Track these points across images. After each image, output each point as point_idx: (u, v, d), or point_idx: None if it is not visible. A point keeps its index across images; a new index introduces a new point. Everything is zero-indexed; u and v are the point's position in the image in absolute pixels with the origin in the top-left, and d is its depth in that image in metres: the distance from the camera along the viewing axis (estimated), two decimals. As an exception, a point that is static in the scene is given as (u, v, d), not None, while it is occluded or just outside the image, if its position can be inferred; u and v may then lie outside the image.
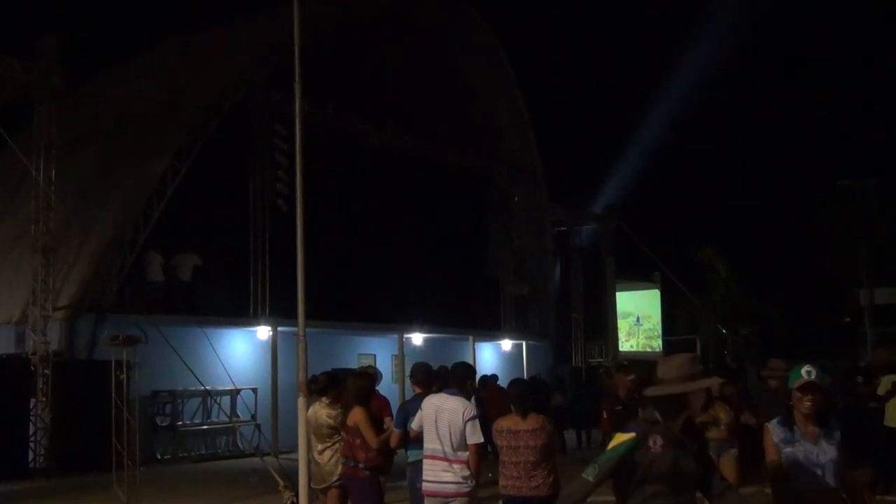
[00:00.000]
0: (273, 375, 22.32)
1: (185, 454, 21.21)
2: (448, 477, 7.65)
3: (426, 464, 7.83)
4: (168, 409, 21.09)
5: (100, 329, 19.58)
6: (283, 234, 18.06)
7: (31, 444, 18.54)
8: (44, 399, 18.66)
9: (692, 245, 41.88)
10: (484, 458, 8.14)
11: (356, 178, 25.85)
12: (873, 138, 53.02)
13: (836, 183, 35.36)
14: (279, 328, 22.24)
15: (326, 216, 22.35)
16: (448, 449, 7.66)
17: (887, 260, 36.06)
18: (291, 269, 12.90)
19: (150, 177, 21.63)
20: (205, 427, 21.74)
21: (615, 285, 37.54)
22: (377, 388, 9.83)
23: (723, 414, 10.59)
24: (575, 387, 23.15)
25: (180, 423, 21.22)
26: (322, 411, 9.54)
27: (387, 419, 9.24)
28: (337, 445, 9.22)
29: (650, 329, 40.61)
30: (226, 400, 21.52)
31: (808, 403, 5.58)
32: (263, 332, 22.87)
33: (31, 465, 18.43)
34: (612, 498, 4.79)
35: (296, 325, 12.74)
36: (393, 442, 8.59)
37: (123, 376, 15.66)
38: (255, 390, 22.15)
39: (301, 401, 11.67)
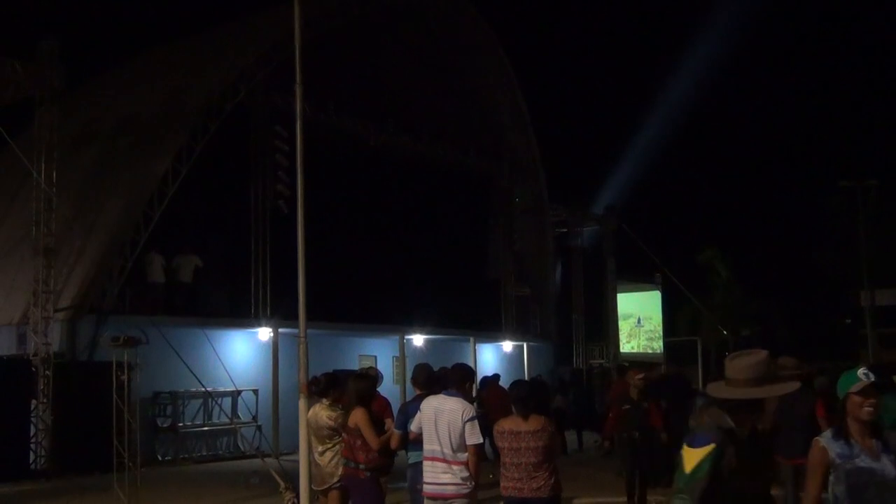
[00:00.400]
0: (274, 377, 22.32)
1: (186, 455, 21.21)
2: (448, 478, 7.64)
3: (426, 465, 7.81)
4: (169, 410, 21.10)
5: (101, 330, 19.56)
6: (283, 236, 18.06)
7: (32, 446, 18.53)
8: (45, 400, 18.65)
9: (693, 246, 41.94)
10: (483, 459, 8.13)
11: (357, 179, 25.85)
12: (874, 139, 53.06)
13: (837, 184, 35.37)
14: (280, 329, 22.25)
15: (327, 217, 22.38)
16: (448, 450, 7.64)
17: (888, 261, 36.07)
18: (292, 270, 12.90)
19: (150, 178, 21.63)
20: (206, 428, 21.74)
21: (616, 286, 37.50)
22: (378, 389, 9.83)
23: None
24: (575, 388, 23.15)
25: (181, 424, 21.22)
26: (323, 413, 9.53)
27: (388, 420, 9.23)
28: (338, 447, 9.22)
29: (651, 330, 40.54)
30: (227, 401, 21.53)
31: (870, 409, 4.71)
32: (264, 333, 22.87)
33: (32, 466, 18.42)
34: (616, 499, 4.72)
35: (297, 326, 12.75)
36: (393, 443, 8.57)
37: (124, 377, 15.65)
38: (255, 391, 22.15)
39: (302, 402, 11.67)
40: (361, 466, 8.66)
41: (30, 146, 19.73)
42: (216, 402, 21.22)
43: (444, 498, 7.68)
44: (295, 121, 13.16)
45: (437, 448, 7.69)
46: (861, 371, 4.78)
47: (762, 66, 71.45)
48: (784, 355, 10.09)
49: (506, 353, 31.76)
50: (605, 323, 37.36)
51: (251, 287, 23.10)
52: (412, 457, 8.72)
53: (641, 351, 39.24)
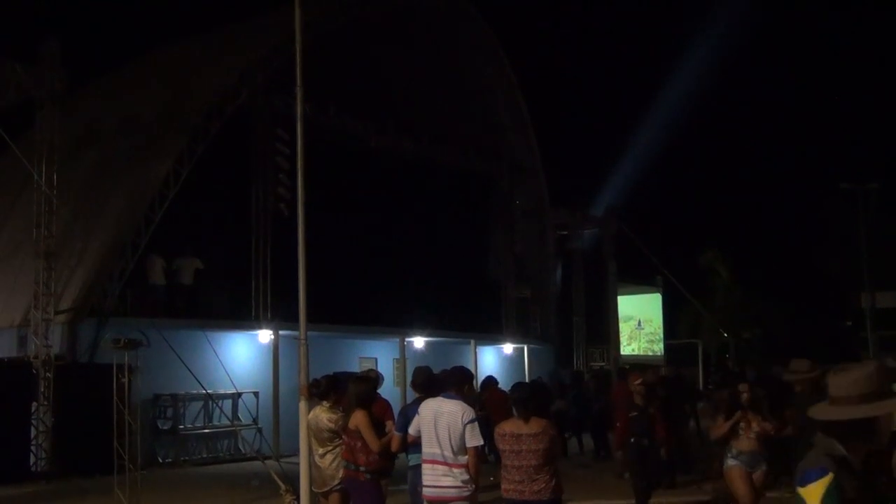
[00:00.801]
0: (274, 379, 22.32)
1: (187, 458, 21.20)
2: (448, 481, 7.63)
3: (426, 468, 7.79)
4: (170, 412, 21.10)
5: (101, 333, 19.56)
6: (284, 238, 18.05)
7: (33, 448, 18.53)
8: (45, 402, 18.65)
9: (694, 249, 41.92)
10: (484, 461, 8.12)
11: (357, 181, 25.86)
12: (875, 142, 53.06)
13: (838, 186, 35.37)
14: (280, 332, 22.26)
15: (328, 220, 22.36)
16: (448, 453, 7.64)
17: (889, 263, 36.07)
18: (293, 272, 12.90)
19: (151, 180, 21.64)
20: (206, 431, 21.73)
21: (617, 289, 37.50)
22: (378, 391, 9.84)
23: (754, 423, 10.08)
24: (575, 391, 23.15)
25: (182, 426, 21.21)
26: (323, 415, 9.54)
27: (388, 422, 9.23)
28: (338, 449, 9.22)
29: (652, 333, 40.57)
30: (227, 403, 21.54)
31: None
32: (265, 335, 22.87)
33: (33, 468, 18.41)
34: (617, 502, 4.67)
35: (297, 328, 12.74)
36: (394, 446, 8.57)
37: (125, 380, 15.63)
38: (256, 394, 22.14)
39: (302, 404, 11.66)
40: (362, 469, 8.66)
41: (31, 148, 19.74)
42: (217, 405, 21.22)
43: (445, 501, 7.67)
44: (296, 123, 13.16)
45: (437, 451, 7.68)
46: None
47: (763, 67, 71.50)
48: (796, 358, 9.90)
49: (506, 356, 31.75)
50: (605, 325, 37.35)
51: (252, 289, 23.10)
52: (412, 459, 8.72)
53: (642, 353, 39.28)
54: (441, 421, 7.70)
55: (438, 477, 7.68)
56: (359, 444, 8.66)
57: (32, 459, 18.49)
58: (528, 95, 33.84)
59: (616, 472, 17.29)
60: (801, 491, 3.45)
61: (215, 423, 21.65)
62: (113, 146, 23.18)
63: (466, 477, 7.63)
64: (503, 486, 7.74)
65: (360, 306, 24.94)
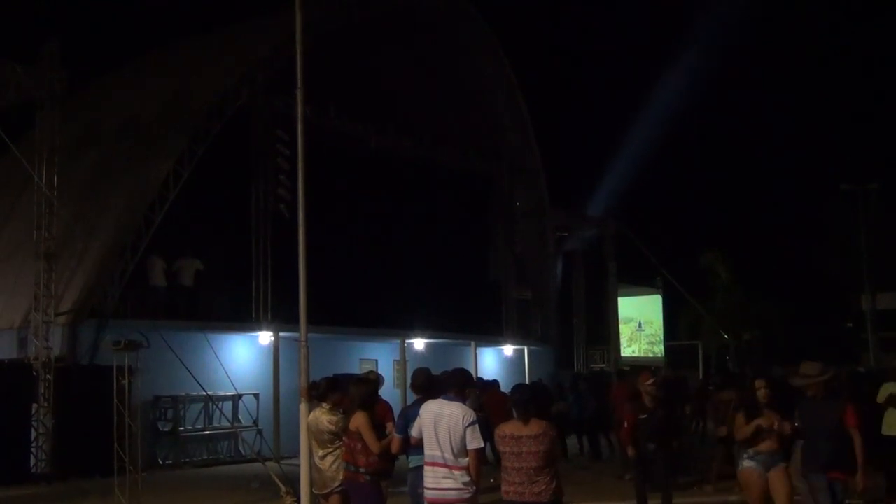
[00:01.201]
0: (275, 381, 22.32)
1: (187, 459, 21.19)
2: (449, 483, 7.63)
3: (427, 471, 7.79)
4: (170, 414, 21.08)
5: (102, 334, 19.56)
6: (284, 239, 18.05)
7: (33, 450, 18.51)
8: (46, 404, 18.64)
9: (694, 250, 41.92)
10: (485, 464, 8.12)
11: (358, 182, 25.85)
12: (875, 143, 53.05)
13: (838, 187, 35.36)
14: (281, 333, 22.26)
15: (328, 221, 22.38)
16: (448, 455, 7.63)
17: (889, 264, 36.04)
18: (293, 274, 12.90)
19: (152, 181, 21.64)
20: (207, 432, 21.72)
21: (617, 290, 37.51)
22: (378, 392, 9.83)
23: (773, 423, 9.68)
24: (574, 392, 23.13)
25: (182, 428, 21.20)
26: (323, 417, 9.53)
27: (389, 424, 9.23)
28: (338, 451, 9.22)
29: (652, 334, 40.54)
30: (227, 405, 21.53)
31: None
32: (265, 337, 22.86)
33: (33, 470, 18.40)
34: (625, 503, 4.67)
35: (297, 330, 12.75)
36: (394, 448, 8.57)
37: (125, 381, 15.62)
38: (256, 395, 22.14)
39: (303, 406, 11.68)
40: (362, 470, 8.66)
41: (31, 149, 19.74)
42: (217, 406, 21.20)
43: (446, 502, 7.67)
44: (296, 124, 13.16)
45: (438, 453, 7.68)
46: None
47: (763, 67, 71.51)
48: (806, 360, 9.48)
49: (507, 358, 31.74)
50: (606, 327, 37.35)
51: (252, 291, 23.10)
52: (413, 461, 8.72)
53: (643, 355, 39.26)
54: (442, 423, 7.69)
55: (439, 479, 7.68)
56: (359, 445, 8.66)
57: (33, 461, 18.48)
58: (529, 96, 33.86)
59: (616, 474, 17.28)
60: None
61: (216, 424, 21.63)
62: (113, 147, 23.18)
63: (467, 479, 7.63)
64: (503, 488, 7.73)
65: (360, 308, 24.94)
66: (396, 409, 10.20)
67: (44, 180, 19.39)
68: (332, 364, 20.32)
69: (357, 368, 23.71)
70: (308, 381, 11.82)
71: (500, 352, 31.75)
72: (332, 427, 9.37)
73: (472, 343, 28.90)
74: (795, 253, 44.22)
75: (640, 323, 40.18)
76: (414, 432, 8.01)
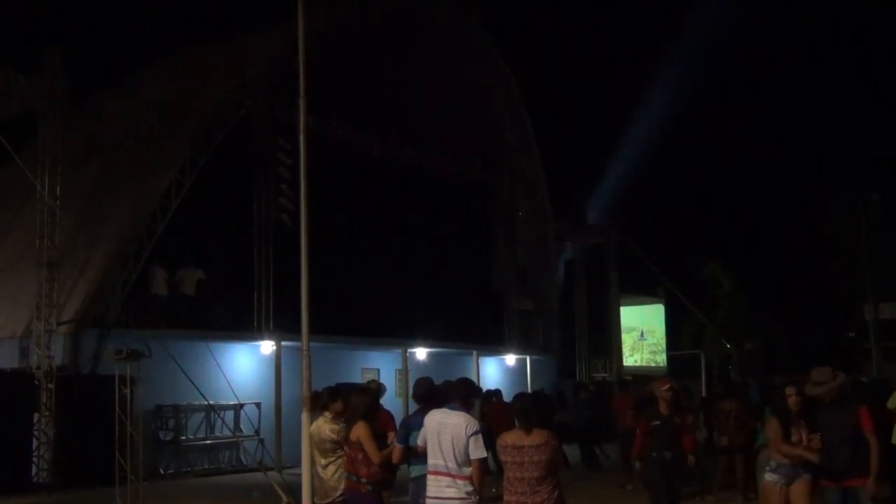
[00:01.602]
0: (276, 390, 22.29)
1: (189, 469, 21.16)
2: (452, 493, 7.63)
3: (430, 479, 7.80)
4: (171, 423, 21.06)
5: (104, 344, 19.55)
6: (286, 249, 18.08)
7: (35, 459, 18.51)
8: (47, 413, 18.64)
9: (697, 259, 41.90)
10: (487, 473, 8.11)
11: (360, 191, 25.85)
12: (876, 152, 53.03)
13: (840, 197, 35.35)
14: (283, 343, 22.24)
15: (330, 230, 22.34)
16: (452, 464, 7.64)
17: (892, 274, 36.01)
18: (295, 283, 12.91)
19: (154, 191, 21.65)
20: (208, 442, 21.70)
21: (619, 299, 37.48)
22: (380, 401, 9.83)
23: (803, 433, 9.24)
24: (575, 402, 23.16)
25: (184, 437, 21.17)
26: (325, 426, 9.53)
27: (391, 434, 9.22)
28: (340, 460, 9.22)
29: (654, 344, 40.47)
30: (229, 414, 21.51)
31: None
32: (267, 346, 22.84)
33: (35, 479, 18.39)
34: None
35: (299, 339, 12.75)
36: (395, 457, 8.57)
37: (127, 391, 15.67)
38: (258, 405, 22.12)
39: (304, 415, 11.66)
40: (363, 480, 8.66)
41: (33, 159, 19.77)
42: (219, 416, 21.19)
43: (449, 512, 7.67)
44: (298, 133, 13.17)
45: (441, 462, 7.69)
46: None
47: (765, 77, 71.55)
48: (817, 367, 9.15)
49: (508, 367, 31.70)
50: (608, 336, 37.31)
51: (254, 300, 23.09)
52: (414, 471, 8.71)
53: (645, 364, 39.18)
54: (445, 432, 7.70)
55: (442, 488, 7.68)
56: (360, 455, 8.66)
57: (34, 470, 18.47)
58: (531, 105, 33.90)
59: (618, 484, 17.27)
60: None
61: (217, 433, 21.62)
62: (115, 157, 23.22)
63: (470, 488, 7.63)
64: (505, 498, 7.73)
65: (362, 317, 24.92)
66: (398, 418, 10.19)
67: (46, 190, 19.42)
68: (334, 373, 20.31)
69: (359, 378, 23.69)
70: (310, 391, 11.82)
71: (502, 361, 31.72)
72: (334, 436, 9.37)
73: (474, 352, 28.87)
74: (798, 262, 44.20)
75: (642, 332, 40.11)
76: (419, 441, 8.03)
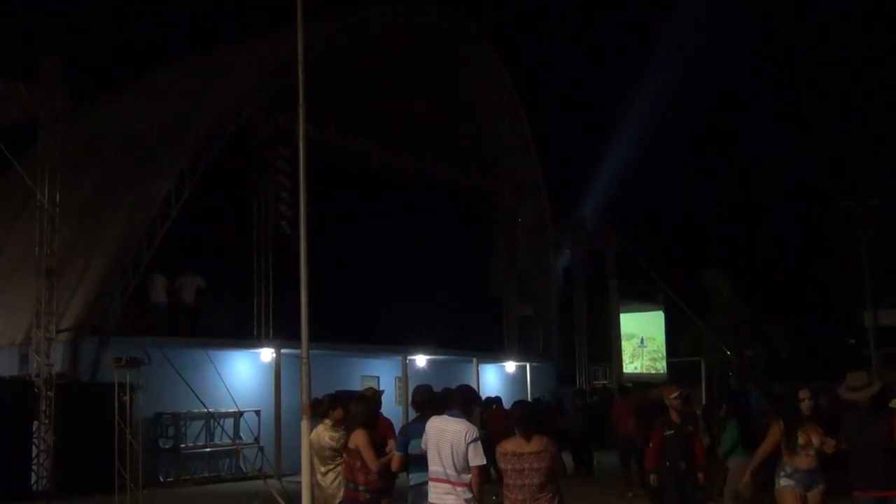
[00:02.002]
0: (276, 397, 22.25)
1: (188, 477, 21.13)
2: (452, 500, 7.61)
3: (430, 486, 7.80)
4: (171, 431, 21.03)
5: (103, 351, 19.56)
6: (286, 256, 18.08)
7: (34, 467, 18.48)
8: (46, 421, 18.61)
9: (696, 266, 41.86)
10: (487, 481, 8.10)
11: (359, 198, 25.86)
12: (876, 158, 53.04)
13: (839, 203, 35.31)
14: (282, 350, 22.21)
15: (330, 237, 22.36)
16: (451, 471, 7.63)
17: (891, 280, 35.97)
18: (295, 290, 12.89)
19: (153, 198, 21.66)
20: (208, 449, 21.67)
21: (619, 306, 37.47)
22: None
23: (815, 437, 8.97)
24: (575, 411, 23.17)
25: (183, 445, 21.14)
26: (325, 433, 9.52)
27: (390, 441, 9.22)
28: (340, 468, 9.21)
29: (654, 351, 40.47)
30: (229, 422, 21.49)
31: None
32: (267, 354, 22.83)
33: (34, 487, 18.35)
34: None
35: (299, 346, 12.73)
36: (394, 465, 8.55)
37: (126, 398, 15.65)
38: (258, 412, 22.10)
39: (304, 423, 11.65)
40: (361, 488, 8.65)
41: (33, 166, 19.77)
42: (218, 423, 21.16)
43: (448, 519, 7.65)
44: (297, 141, 13.18)
45: (441, 469, 7.68)
46: None
47: (764, 83, 71.59)
48: (853, 370, 8.85)
49: (509, 374, 31.67)
50: (607, 343, 37.29)
51: (254, 308, 23.09)
52: (413, 478, 8.69)
53: (645, 371, 39.16)
54: (445, 439, 7.70)
55: (442, 495, 7.67)
56: (358, 463, 8.65)
57: (34, 478, 18.44)
58: (530, 112, 33.90)
59: (619, 491, 17.24)
60: None
61: (217, 441, 21.59)
62: (115, 164, 23.22)
63: (469, 496, 7.62)
64: (505, 505, 7.71)
65: (362, 324, 24.90)
66: (398, 426, 10.17)
67: (46, 197, 19.41)
68: (333, 381, 20.31)
69: (358, 385, 23.68)
70: (310, 398, 11.80)
71: (502, 368, 31.69)
72: (333, 444, 9.36)
73: (474, 359, 28.83)
74: (797, 269, 44.16)
75: (642, 339, 40.10)
76: (423, 446, 8.01)
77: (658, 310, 39.87)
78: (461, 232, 30.23)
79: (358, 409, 8.99)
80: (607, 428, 20.11)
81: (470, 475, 7.63)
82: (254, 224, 23.34)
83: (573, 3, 76.50)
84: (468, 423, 7.81)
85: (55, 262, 19.57)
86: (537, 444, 7.58)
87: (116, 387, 15.55)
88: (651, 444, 11.11)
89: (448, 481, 7.64)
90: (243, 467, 21.55)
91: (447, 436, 7.70)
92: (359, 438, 8.67)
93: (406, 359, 26.06)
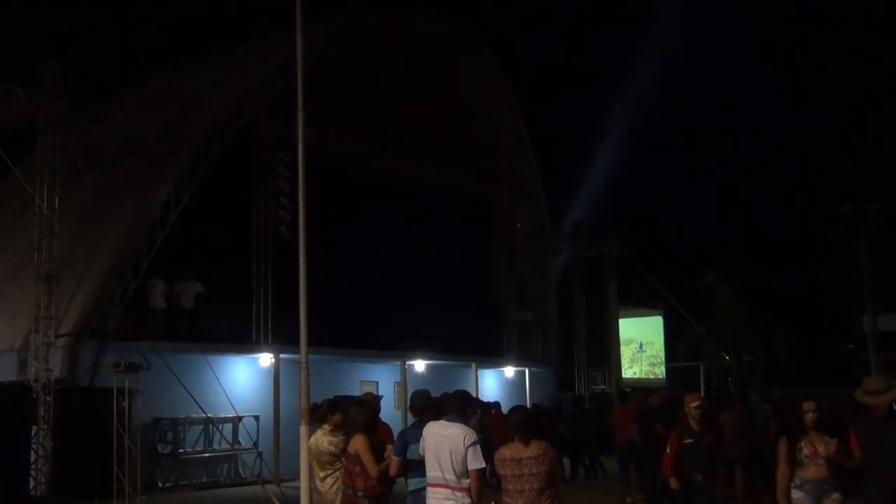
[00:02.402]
0: (275, 403, 22.25)
1: (187, 482, 21.09)
2: (450, 505, 7.61)
3: (429, 492, 7.79)
4: (170, 436, 21.00)
5: (102, 356, 19.53)
6: (285, 261, 18.05)
7: (33, 472, 18.42)
8: (45, 426, 18.56)
9: (695, 271, 41.87)
10: (486, 485, 8.10)
11: (358, 203, 25.86)
12: (875, 163, 53.11)
13: (839, 208, 35.31)
14: (281, 355, 22.21)
15: (329, 243, 22.36)
16: (450, 476, 7.62)
17: (891, 285, 35.96)
18: (294, 295, 12.90)
19: (152, 203, 21.66)
20: (206, 455, 21.63)
21: (618, 311, 37.47)
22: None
23: (821, 446, 8.75)
24: (573, 415, 23.16)
25: (182, 450, 21.11)
26: (324, 438, 9.51)
27: (389, 447, 9.20)
28: (338, 473, 9.20)
29: (653, 356, 40.49)
30: (227, 427, 21.46)
31: None
32: (265, 359, 22.81)
33: (33, 492, 18.30)
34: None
35: (298, 352, 12.73)
36: (392, 471, 8.53)
37: (125, 403, 15.65)
38: (256, 417, 22.07)
39: (303, 428, 11.65)
40: (360, 494, 8.63)
41: (32, 171, 19.76)
42: (217, 428, 21.14)
43: (448, 524, 7.64)
44: (297, 146, 13.18)
45: (440, 474, 7.67)
46: None
47: (764, 88, 71.70)
48: (870, 374, 8.76)
49: (507, 379, 31.66)
50: (606, 348, 37.29)
51: (253, 313, 23.07)
52: (412, 484, 8.68)
53: (644, 376, 39.19)
54: (443, 444, 7.69)
55: (441, 501, 7.67)
56: (357, 468, 8.64)
57: (32, 483, 18.38)
58: (529, 117, 33.95)
59: (618, 497, 17.22)
60: None
61: (215, 446, 21.55)
62: (114, 169, 23.22)
63: (468, 500, 7.61)
64: (505, 511, 7.69)
65: (360, 329, 24.89)
66: (396, 431, 10.17)
67: (45, 202, 19.39)
68: (332, 386, 20.29)
69: (357, 390, 23.63)
70: (308, 403, 11.80)
71: (501, 373, 31.68)
72: (332, 449, 9.35)
73: (473, 364, 28.84)
74: (796, 274, 44.24)
75: (641, 344, 40.14)
76: (421, 450, 8.00)
77: (657, 314, 39.89)
78: (460, 237, 30.23)
79: (357, 414, 8.98)
80: (606, 433, 20.09)
81: (469, 480, 7.63)
82: (253, 229, 23.33)
83: (574, 6, 76.60)
84: (466, 428, 7.81)
85: (54, 267, 19.55)
86: (536, 448, 7.57)
87: (115, 392, 15.54)
88: (668, 451, 10.72)
89: (447, 486, 7.63)
90: (242, 472, 21.54)
91: (446, 441, 7.69)
92: (358, 443, 8.66)
93: (405, 364, 26.06)
